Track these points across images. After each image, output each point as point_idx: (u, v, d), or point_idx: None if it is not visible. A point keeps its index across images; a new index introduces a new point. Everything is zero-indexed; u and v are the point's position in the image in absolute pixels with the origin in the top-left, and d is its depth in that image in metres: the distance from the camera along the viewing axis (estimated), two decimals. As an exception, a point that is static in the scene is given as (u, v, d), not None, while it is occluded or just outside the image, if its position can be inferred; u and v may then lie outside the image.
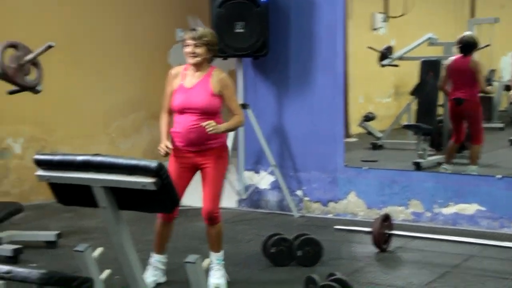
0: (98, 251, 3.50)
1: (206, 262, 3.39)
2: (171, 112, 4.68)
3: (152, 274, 4.72)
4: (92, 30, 7.89)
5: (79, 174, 3.20)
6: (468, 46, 7.42)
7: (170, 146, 4.55)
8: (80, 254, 3.38)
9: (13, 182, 7.14)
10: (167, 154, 4.56)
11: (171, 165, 4.60)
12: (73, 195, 3.32)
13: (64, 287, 3.00)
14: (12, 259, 5.13)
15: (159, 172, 3.09)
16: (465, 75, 7.36)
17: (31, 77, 4.46)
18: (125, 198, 3.24)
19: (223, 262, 4.75)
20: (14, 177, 7.11)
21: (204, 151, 4.57)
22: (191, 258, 3.30)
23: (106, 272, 3.59)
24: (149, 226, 6.21)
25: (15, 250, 5.16)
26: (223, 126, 4.54)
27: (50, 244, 5.59)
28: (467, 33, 7.68)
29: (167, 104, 4.68)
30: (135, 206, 3.30)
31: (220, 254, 4.73)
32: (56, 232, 5.68)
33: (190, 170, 4.65)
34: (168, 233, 4.74)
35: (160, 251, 4.76)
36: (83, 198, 3.28)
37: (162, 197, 3.17)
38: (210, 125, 4.41)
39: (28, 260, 5.24)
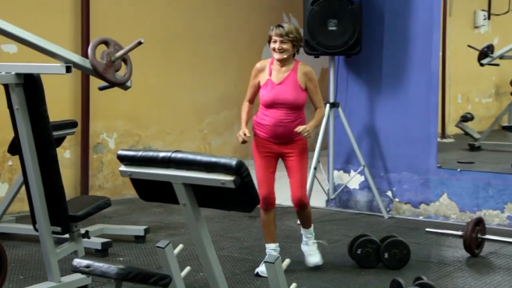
0: (179, 248, 3.52)
1: (285, 263, 3.35)
2: (252, 102, 5.01)
3: None
4: (187, 27, 8.00)
5: (160, 170, 3.20)
6: None
7: (248, 134, 4.79)
8: (161, 251, 3.41)
9: (107, 177, 7.31)
10: (244, 142, 4.80)
11: (256, 156, 4.93)
12: (154, 191, 3.33)
13: (142, 283, 3.03)
14: (101, 252, 5.24)
15: (239, 170, 3.06)
16: None
17: (121, 73, 4.53)
18: (205, 195, 3.24)
19: (314, 233, 5.10)
20: (107, 171, 7.27)
21: (287, 143, 4.85)
22: (270, 258, 3.27)
23: (187, 269, 3.61)
24: (235, 223, 6.29)
25: (104, 244, 5.27)
26: (312, 126, 4.80)
27: (139, 239, 5.69)
28: None
29: (250, 94, 4.99)
30: (215, 204, 3.29)
31: (311, 229, 5.09)
32: (145, 227, 5.76)
33: (273, 158, 4.92)
34: (272, 220, 4.95)
35: (272, 240, 4.98)
36: (164, 194, 3.29)
37: (241, 196, 3.14)
38: (304, 131, 4.71)
39: (116, 253, 5.36)
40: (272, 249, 4.94)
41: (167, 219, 6.45)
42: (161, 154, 3.21)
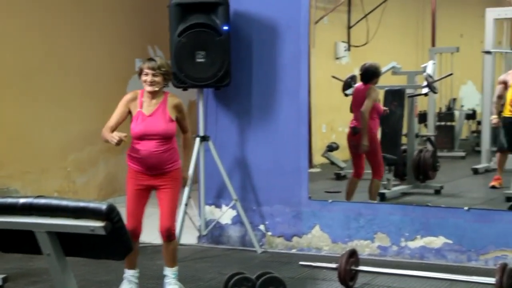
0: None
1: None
2: (114, 130, 4.87)
3: (127, 286, 5.11)
4: (47, 59, 7.71)
5: (20, 218, 2.94)
6: (367, 74, 7.34)
7: (120, 135, 4.72)
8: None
9: (-40, 221, 6.77)
10: (119, 142, 4.73)
11: (129, 189, 5.04)
12: (13, 241, 3.04)
13: None
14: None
15: (110, 215, 2.87)
16: (362, 104, 7.24)
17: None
18: (72, 243, 2.99)
19: (177, 276, 5.16)
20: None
21: (161, 174, 4.96)
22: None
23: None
24: (103, 266, 5.93)
25: (-46, 300, 4.81)
26: (189, 168, 5.43)
27: (-3, 289, 5.26)
28: (370, 61, 7.50)
29: (114, 122, 4.93)
30: (83, 252, 3.08)
31: (175, 269, 5.15)
32: (3, 275, 5.32)
33: (146, 191, 5.04)
34: (135, 250, 4.97)
35: (131, 266, 5.14)
36: (25, 244, 3.01)
37: (113, 243, 2.92)
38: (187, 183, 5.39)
39: (-30, 308, 4.92)
40: (130, 274, 5.13)
41: (27, 265, 5.95)
42: (21, 201, 2.95)
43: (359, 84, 7.44)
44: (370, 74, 7.32)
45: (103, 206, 2.84)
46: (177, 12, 6.20)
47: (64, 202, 2.90)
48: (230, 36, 6.31)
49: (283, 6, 6.44)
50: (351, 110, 7.64)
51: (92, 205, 2.86)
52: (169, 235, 5.01)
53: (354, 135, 7.26)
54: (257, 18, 6.52)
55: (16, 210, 2.93)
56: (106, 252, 2.99)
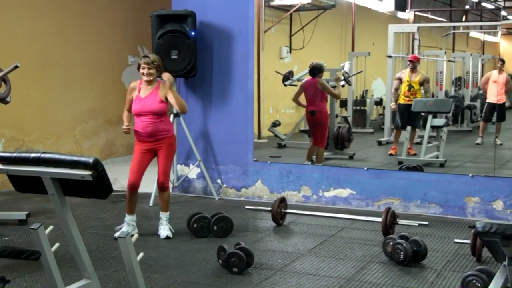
0: (49, 228, 3.30)
1: (134, 237, 3.23)
2: (130, 111, 4.99)
3: (126, 228, 4.98)
4: (61, 57, 7.61)
5: (32, 168, 3.00)
6: (314, 70, 7.29)
7: (128, 124, 4.87)
8: (34, 231, 3.18)
9: (-4, 173, 6.77)
10: (127, 132, 4.86)
11: (135, 152, 4.94)
12: (27, 185, 3.12)
13: (16, 258, 2.82)
14: (-11, 234, 4.86)
15: (95, 166, 2.91)
16: (315, 93, 7.22)
17: (1, 90, 4.23)
18: (69, 186, 3.06)
19: (169, 219, 5.10)
20: (-4, 169, 6.74)
21: (158, 140, 4.89)
22: (122, 234, 3.15)
23: (56, 245, 3.39)
24: (100, 207, 6.03)
25: (-8, 227, 4.90)
26: (173, 91, 4.90)
27: (22, 222, 5.33)
28: (316, 61, 7.42)
29: (127, 105, 4.99)
30: (77, 193, 3.11)
31: (167, 214, 5.06)
32: (27, 212, 5.41)
33: (149, 154, 4.95)
34: (134, 200, 4.97)
35: (130, 212, 5.00)
36: (35, 186, 3.09)
37: (98, 186, 2.99)
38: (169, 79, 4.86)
39: (3, 234, 5.00)
40: (129, 219, 5.00)
41: (45, 206, 6.07)
42: (32, 155, 3.00)
43: (308, 78, 7.31)
44: (316, 70, 7.24)
45: (91, 160, 2.83)
46: (157, 21, 6.21)
47: (62, 157, 2.94)
48: (196, 40, 6.34)
49: (236, 19, 6.45)
50: (294, 98, 7.57)
51: (82, 158, 2.87)
52: (162, 187, 4.94)
53: (312, 116, 7.20)
54: (216, 26, 6.54)
55: (29, 161, 2.98)
56: (94, 193, 3.01)
